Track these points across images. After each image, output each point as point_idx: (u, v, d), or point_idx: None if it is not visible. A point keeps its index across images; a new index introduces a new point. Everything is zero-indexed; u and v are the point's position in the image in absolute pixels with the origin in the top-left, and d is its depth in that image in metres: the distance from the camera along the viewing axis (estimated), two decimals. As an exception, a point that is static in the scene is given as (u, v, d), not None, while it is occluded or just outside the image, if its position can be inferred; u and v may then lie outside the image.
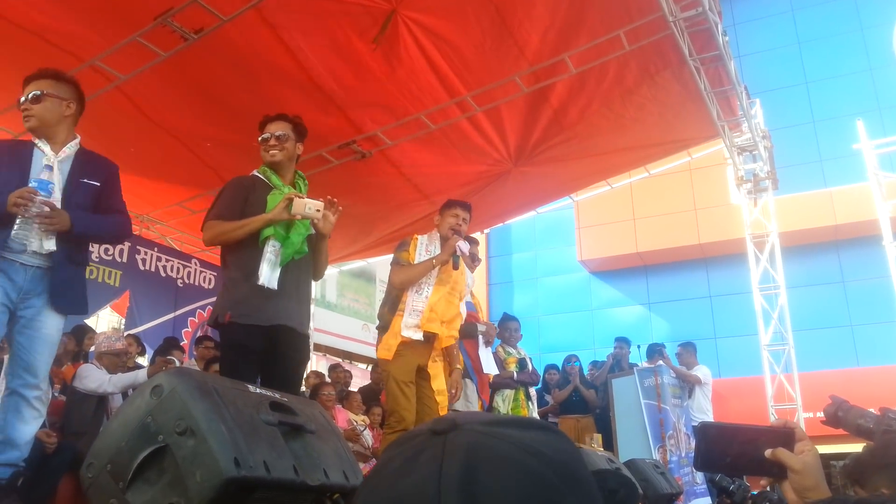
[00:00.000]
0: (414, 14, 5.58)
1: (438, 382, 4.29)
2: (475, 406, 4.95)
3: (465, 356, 4.74)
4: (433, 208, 7.96)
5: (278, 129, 3.60)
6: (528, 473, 0.61)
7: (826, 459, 1.23)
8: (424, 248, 4.32)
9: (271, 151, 3.57)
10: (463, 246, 4.22)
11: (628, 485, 4.46)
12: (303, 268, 3.56)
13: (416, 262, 4.26)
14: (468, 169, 7.59)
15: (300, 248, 3.48)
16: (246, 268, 3.35)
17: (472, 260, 4.53)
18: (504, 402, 6.09)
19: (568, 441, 0.69)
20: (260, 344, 3.31)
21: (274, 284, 3.33)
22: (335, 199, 3.51)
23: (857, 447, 2.24)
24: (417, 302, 4.17)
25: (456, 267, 4.27)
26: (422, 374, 4.23)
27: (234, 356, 3.34)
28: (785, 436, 1.16)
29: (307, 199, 3.37)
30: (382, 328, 4.35)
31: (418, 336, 4.12)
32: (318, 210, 3.37)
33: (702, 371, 7.95)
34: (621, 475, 4.47)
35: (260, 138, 3.61)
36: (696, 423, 7.41)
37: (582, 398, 8.06)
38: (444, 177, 7.71)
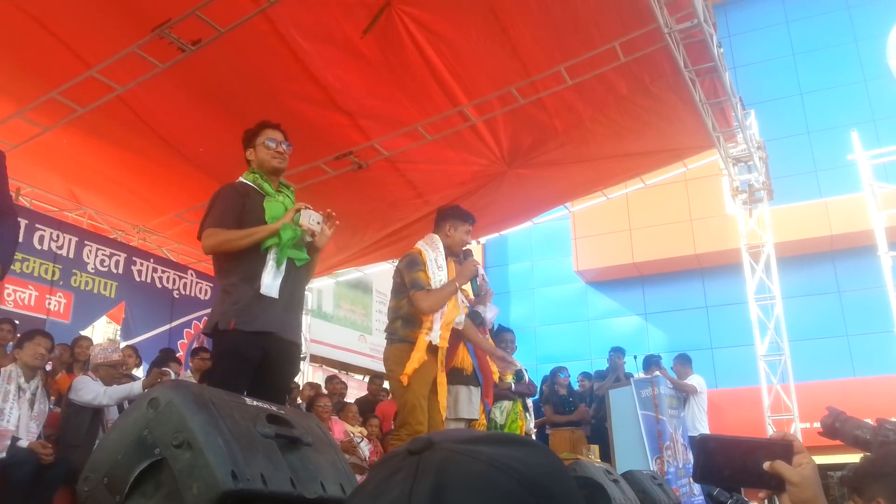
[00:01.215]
0: (408, 8, 5.58)
1: (441, 395, 4.29)
2: (477, 409, 4.90)
3: (472, 356, 4.71)
4: (428, 209, 7.89)
5: (283, 138, 3.63)
6: (498, 490, 0.60)
7: (823, 470, 1.23)
8: (435, 263, 4.27)
9: (279, 158, 3.59)
10: (482, 270, 4.30)
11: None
12: (300, 276, 3.56)
13: (433, 283, 4.22)
14: (463, 168, 7.56)
15: (300, 253, 3.49)
16: (248, 275, 3.34)
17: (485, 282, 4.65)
18: (501, 414, 6.06)
19: (548, 455, 0.68)
20: (257, 353, 3.30)
21: (275, 293, 3.33)
22: (333, 213, 3.52)
23: (853, 458, 2.25)
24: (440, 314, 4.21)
25: (476, 293, 4.34)
26: (432, 388, 4.25)
27: (231, 364, 3.30)
28: (783, 448, 1.16)
29: (311, 211, 3.39)
30: (399, 340, 4.23)
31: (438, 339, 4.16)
32: (318, 223, 3.40)
33: (696, 381, 7.95)
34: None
35: (266, 141, 3.59)
36: (692, 435, 7.40)
37: (574, 410, 8.07)
38: (438, 174, 7.64)
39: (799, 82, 15.19)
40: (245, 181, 3.57)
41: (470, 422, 4.65)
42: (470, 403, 4.66)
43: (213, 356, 3.42)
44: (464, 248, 4.47)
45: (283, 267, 3.39)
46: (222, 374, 3.30)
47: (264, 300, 3.31)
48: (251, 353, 3.28)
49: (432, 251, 4.33)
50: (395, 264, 4.62)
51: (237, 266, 3.38)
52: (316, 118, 6.52)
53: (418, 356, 4.07)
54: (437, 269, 4.26)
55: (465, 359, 4.66)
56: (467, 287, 4.56)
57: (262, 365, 3.32)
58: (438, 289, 4.18)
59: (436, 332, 4.14)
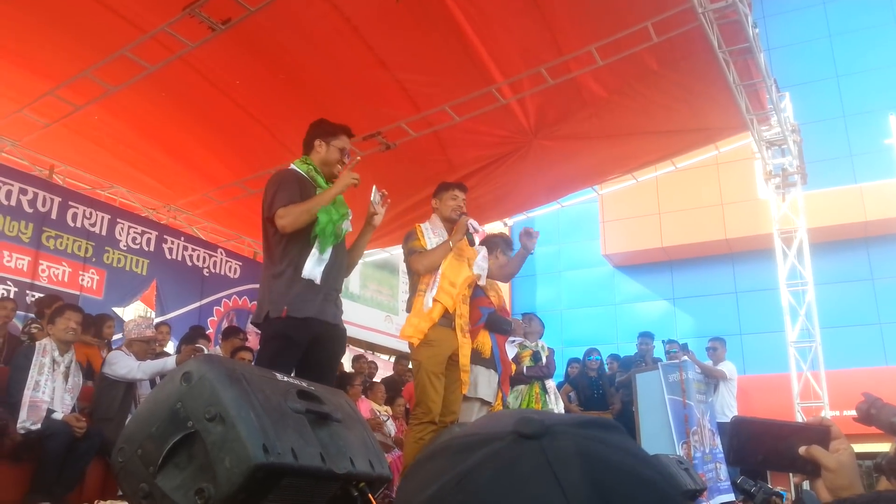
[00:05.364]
0: None
1: (463, 358, 4.29)
2: (496, 394, 4.90)
3: (493, 345, 4.73)
4: (451, 171, 7.73)
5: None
6: (651, 487, 0.54)
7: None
8: (430, 231, 4.39)
9: (339, 169, 3.69)
10: (473, 222, 4.31)
11: None
12: (339, 259, 3.66)
13: (428, 248, 4.29)
14: (489, 132, 7.41)
15: (341, 232, 3.59)
16: (298, 263, 3.45)
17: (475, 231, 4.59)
18: (516, 399, 6.05)
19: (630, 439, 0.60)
20: (305, 337, 3.41)
21: (318, 279, 3.45)
22: (386, 192, 3.74)
23: (885, 446, 2.21)
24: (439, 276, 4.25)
25: (472, 243, 4.37)
26: (452, 361, 4.25)
27: (279, 347, 3.40)
28: (820, 433, 1.14)
29: (374, 190, 3.65)
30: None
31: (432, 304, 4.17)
32: (378, 202, 3.66)
33: (727, 367, 7.88)
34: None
35: (341, 147, 3.71)
36: (720, 420, 7.36)
37: (604, 394, 8.04)
38: (463, 131, 7.37)
39: (835, 64, 14.84)
40: (298, 170, 3.65)
41: (487, 404, 4.66)
42: (489, 386, 4.66)
43: (261, 340, 3.54)
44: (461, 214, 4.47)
45: (327, 254, 3.50)
46: (270, 356, 3.40)
47: (312, 287, 3.44)
48: (299, 337, 3.39)
49: (430, 224, 4.46)
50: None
51: (287, 254, 3.49)
52: (345, 107, 6.52)
53: (418, 321, 4.13)
54: (433, 236, 4.37)
55: (483, 343, 4.67)
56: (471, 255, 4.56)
57: (309, 349, 3.44)
58: (431, 249, 4.27)
59: (430, 293, 4.18)
